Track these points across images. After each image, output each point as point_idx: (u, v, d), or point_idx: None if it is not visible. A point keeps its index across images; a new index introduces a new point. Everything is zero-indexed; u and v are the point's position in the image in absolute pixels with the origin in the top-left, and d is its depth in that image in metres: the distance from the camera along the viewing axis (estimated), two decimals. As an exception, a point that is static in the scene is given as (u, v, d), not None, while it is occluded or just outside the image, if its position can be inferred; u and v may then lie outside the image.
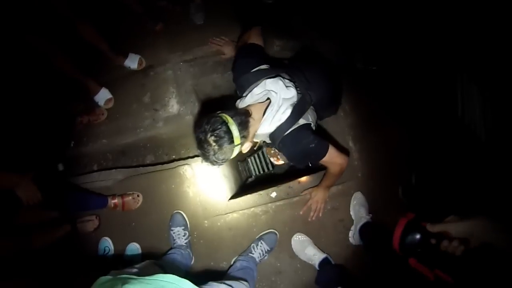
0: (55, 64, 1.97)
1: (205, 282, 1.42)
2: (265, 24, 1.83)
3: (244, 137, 1.30)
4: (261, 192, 2.10)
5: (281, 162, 2.13)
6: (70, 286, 1.75)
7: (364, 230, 1.94)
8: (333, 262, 1.94)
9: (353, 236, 2.00)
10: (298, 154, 1.53)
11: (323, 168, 2.03)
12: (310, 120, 1.56)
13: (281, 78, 1.49)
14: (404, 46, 2.02)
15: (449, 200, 1.67)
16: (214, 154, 1.25)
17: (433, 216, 0.98)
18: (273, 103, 1.42)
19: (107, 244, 2.07)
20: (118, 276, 1.13)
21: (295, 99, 1.49)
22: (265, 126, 1.43)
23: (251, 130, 1.35)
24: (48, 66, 1.97)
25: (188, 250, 1.95)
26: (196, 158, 2.17)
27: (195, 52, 2.28)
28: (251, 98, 1.46)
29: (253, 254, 1.90)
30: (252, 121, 1.35)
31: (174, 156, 2.27)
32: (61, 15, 1.88)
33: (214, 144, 1.23)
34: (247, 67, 1.51)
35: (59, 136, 2.23)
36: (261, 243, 1.94)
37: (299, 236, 2.01)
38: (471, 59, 1.67)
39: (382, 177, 2.08)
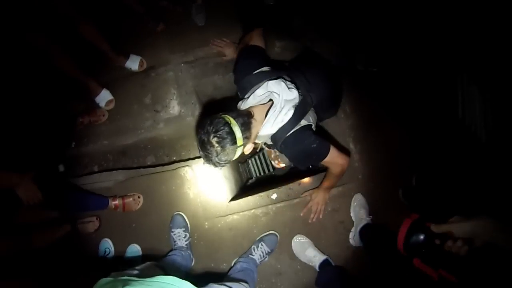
0: (55, 64, 1.97)
1: (205, 283, 1.43)
2: (266, 26, 1.83)
3: (246, 138, 1.30)
4: (261, 193, 2.10)
5: (282, 165, 2.13)
6: (70, 286, 1.74)
7: (364, 232, 1.94)
8: (333, 264, 1.94)
9: (353, 238, 2.00)
10: (300, 155, 1.53)
11: (324, 170, 2.03)
12: (311, 121, 1.57)
13: (283, 80, 1.50)
14: (405, 47, 2.02)
15: (449, 201, 1.67)
16: (216, 155, 1.25)
17: (437, 216, 0.98)
18: (275, 104, 1.42)
19: (108, 245, 2.07)
20: (119, 277, 1.13)
21: (297, 101, 1.49)
22: (267, 127, 1.43)
23: (254, 131, 1.35)
24: (49, 66, 1.97)
25: (188, 251, 1.95)
26: (196, 159, 2.18)
27: (196, 53, 2.29)
28: (254, 99, 1.46)
29: (253, 255, 1.90)
30: (254, 122, 1.35)
31: (174, 158, 2.27)
32: (62, 14, 1.88)
33: (217, 145, 1.23)
34: (249, 69, 1.52)
35: (59, 136, 2.23)
36: (262, 244, 1.94)
37: (300, 238, 2.01)
38: (472, 60, 1.67)
39: (382, 179, 2.08)
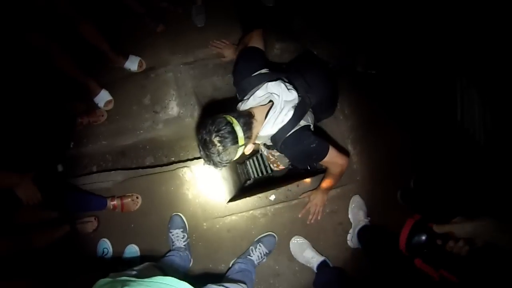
0: (55, 64, 1.97)
1: (203, 284, 1.43)
2: (266, 27, 1.84)
3: (248, 137, 1.32)
4: (260, 194, 2.11)
5: (281, 167, 2.14)
6: (69, 286, 1.74)
7: (362, 233, 1.95)
8: (331, 265, 1.94)
9: (351, 239, 2.01)
10: (300, 155, 1.55)
11: (322, 171, 2.04)
12: (310, 121, 1.58)
13: (283, 81, 1.51)
14: (404, 49, 2.02)
15: (448, 203, 1.68)
16: (218, 155, 1.25)
17: (440, 217, 0.99)
18: (275, 105, 1.44)
19: (106, 245, 2.07)
20: (117, 278, 1.13)
21: (296, 102, 1.51)
22: (267, 128, 1.44)
23: (254, 131, 1.37)
24: (49, 66, 1.97)
25: (186, 252, 1.95)
26: (195, 160, 2.18)
27: (195, 54, 2.29)
28: (254, 100, 1.48)
29: (251, 256, 1.91)
30: (255, 123, 1.37)
31: (173, 158, 2.27)
32: (62, 14, 1.88)
33: (218, 144, 1.24)
34: (248, 71, 1.53)
35: (59, 136, 2.23)
36: (260, 245, 1.94)
37: (298, 239, 2.01)
38: (471, 63, 1.68)
39: (381, 181, 2.08)
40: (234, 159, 1.33)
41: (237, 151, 1.30)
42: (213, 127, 1.24)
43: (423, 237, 1.00)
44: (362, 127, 2.17)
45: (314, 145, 1.50)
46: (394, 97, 2.07)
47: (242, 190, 2.53)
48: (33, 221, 1.90)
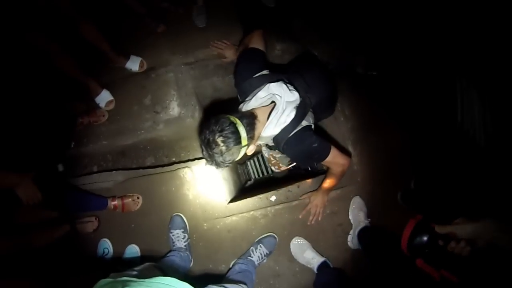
0: (56, 64, 1.97)
1: (204, 284, 1.43)
2: (266, 28, 1.84)
3: (251, 138, 1.32)
4: (260, 195, 2.11)
5: (283, 168, 2.14)
6: (69, 286, 1.74)
7: (362, 234, 1.95)
8: (331, 266, 1.94)
9: (351, 240, 2.01)
10: (302, 154, 1.56)
11: (322, 172, 2.04)
12: (311, 121, 1.59)
13: (284, 82, 1.52)
14: (404, 51, 2.03)
15: (448, 204, 1.68)
16: (221, 155, 1.26)
17: (441, 218, 1.00)
18: (277, 106, 1.45)
19: (106, 245, 2.07)
20: (118, 278, 1.14)
21: (298, 102, 1.52)
22: (270, 128, 1.45)
23: (257, 132, 1.38)
24: (50, 66, 1.97)
25: (187, 252, 1.96)
26: (196, 161, 2.18)
27: (196, 55, 2.29)
28: (256, 101, 1.48)
29: (252, 257, 1.91)
30: (258, 123, 1.38)
31: (174, 159, 2.27)
32: (63, 14, 1.88)
33: (222, 144, 1.24)
34: (249, 72, 1.54)
35: (59, 136, 2.22)
36: (260, 246, 1.94)
37: (298, 240, 2.02)
38: (471, 64, 1.68)
39: (381, 182, 2.08)
40: (237, 160, 1.33)
41: (240, 151, 1.30)
42: (217, 127, 1.24)
43: (425, 238, 1.00)
44: (363, 128, 2.17)
45: (316, 144, 1.51)
46: (394, 98, 2.07)
47: (242, 191, 2.53)
48: (33, 221, 1.90)
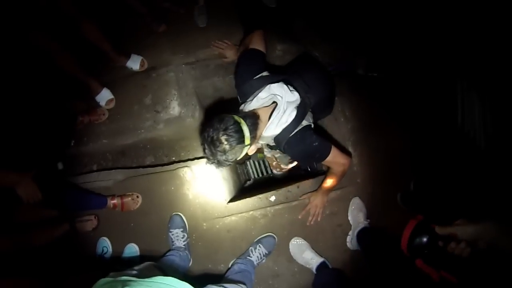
0: (57, 62, 1.97)
1: (203, 284, 1.43)
2: (267, 28, 1.84)
3: (253, 137, 1.34)
4: (260, 195, 2.11)
5: (283, 167, 2.15)
6: (69, 285, 1.74)
7: (362, 235, 1.95)
8: (330, 266, 1.94)
9: (350, 241, 2.01)
10: (303, 154, 1.57)
11: (322, 173, 2.04)
12: (311, 121, 1.60)
13: (285, 83, 1.54)
14: (405, 52, 2.03)
15: (447, 206, 1.68)
16: (224, 153, 1.27)
17: (441, 219, 1.00)
18: (279, 106, 1.46)
19: (106, 244, 2.07)
20: (118, 278, 1.14)
21: (298, 102, 1.53)
22: (271, 128, 1.47)
23: (258, 132, 1.40)
24: (50, 65, 1.97)
25: (186, 252, 1.96)
26: (196, 160, 2.18)
27: (197, 55, 2.30)
28: (257, 102, 1.49)
29: (251, 257, 1.91)
30: (260, 123, 1.39)
31: (174, 158, 2.27)
32: (65, 13, 1.88)
33: (225, 142, 1.25)
34: (250, 74, 1.55)
35: (59, 135, 2.22)
36: (260, 246, 1.94)
37: (297, 240, 2.02)
38: (472, 66, 1.69)
39: (381, 183, 2.09)
40: (238, 159, 1.34)
41: (242, 150, 1.31)
42: (221, 125, 1.25)
43: (425, 239, 1.01)
44: (363, 129, 2.17)
45: (316, 143, 1.52)
46: (395, 99, 2.08)
47: (242, 191, 2.53)
48: (33, 219, 1.90)
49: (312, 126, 1.60)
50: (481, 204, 1.50)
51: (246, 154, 1.38)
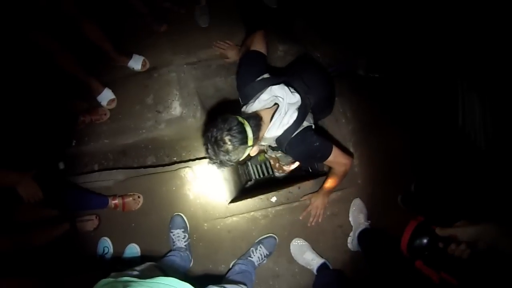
0: (58, 62, 1.97)
1: (204, 285, 1.43)
2: (268, 28, 1.84)
3: (256, 138, 1.35)
4: (261, 196, 2.11)
5: (285, 168, 2.15)
6: (69, 285, 1.75)
7: (362, 236, 1.95)
8: (331, 267, 1.95)
9: (351, 242, 2.01)
10: (305, 154, 1.58)
11: (323, 174, 2.04)
12: (311, 122, 1.61)
13: (285, 84, 1.54)
14: (406, 53, 2.03)
15: (448, 207, 1.68)
16: (227, 153, 1.27)
17: (442, 220, 1.00)
18: (280, 108, 1.47)
19: (107, 244, 2.07)
20: (119, 278, 1.14)
21: (299, 103, 1.54)
22: (273, 130, 1.48)
23: (261, 133, 1.40)
24: (52, 64, 1.97)
25: (187, 252, 1.96)
26: (197, 161, 2.18)
27: (199, 55, 2.29)
28: (259, 103, 1.50)
29: (252, 258, 1.91)
30: (263, 125, 1.40)
31: (175, 158, 2.27)
32: (66, 13, 1.88)
33: (229, 143, 1.26)
34: (251, 76, 1.56)
35: (60, 134, 2.22)
36: (260, 247, 1.95)
37: (298, 241, 2.02)
38: (472, 67, 1.69)
39: (381, 184, 2.09)
40: (240, 160, 1.35)
41: (245, 151, 1.32)
42: (225, 126, 1.26)
43: (425, 240, 1.01)
44: (364, 130, 2.17)
45: (317, 143, 1.54)
46: (395, 100, 2.08)
47: (243, 191, 2.53)
48: (34, 219, 1.91)
49: (313, 127, 1.61)
50: (481, 205, 1.50)
51: (248, 155, 1.39)
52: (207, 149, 1.30)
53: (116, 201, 2.05)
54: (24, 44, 1.85)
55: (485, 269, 1.01)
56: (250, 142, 1.31)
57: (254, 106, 1.50)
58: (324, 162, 1.64)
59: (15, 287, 1.55)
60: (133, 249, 2.05)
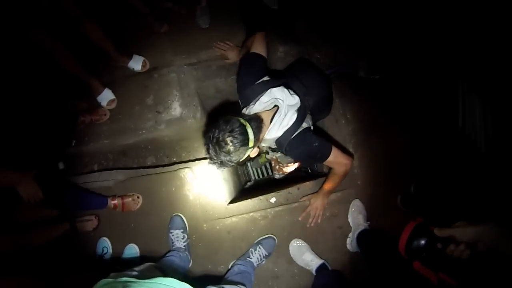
0: (58, 62, 1.97)
1: (203, 285, 1.43)
2: (269, 29, 1.84)
3: (257, 140, 1.36)
4: (260, 197, 2.11)
5: (285, 170, 2.15)
6: (69, 285, 1.75)
7: (361, 237, 1.95)
8: (330, 268, 1.95)
9: (350, 243, 2.01)
10: (304, 154, 1.58)
11: (323, 175, 2.05)
12: (310, 123, 1.62)
13: (285, 86, 1.57)
14: (407, 55, 2.03)
15: (448, 209, 1.69)
16: (228, 154, 1.28)
17: (441, 221, 1.00)
18: (280, 109, 1.49)
19: (106, 244, 2.07)
20: (118, 278, 1.14)
21: (298, 105, 1.56)
22: (273, 131, 1.50)
23: (261, 135, 1.42)
24: (52, 64, 1.97)
25: (186, 252, 1.96)
26: (197, 161, 2.18)
27: (199, 56, 2.29)
28: (259, 106, 1.52)
29: (251, 258, 1.91)
30: (263, 127, 1.41)
31: (175, 159, 2.27)
32: (67, 13, 1.88)
33: (230, 144, 1.27)
34: (251, 79, 1.57)
35: (60, 134, 2.22)
36: (260, 247, 1.95)
37: (297, 242, 2.02)
38: (473, 69, 1.69)
39: (381, 185, 2.09)
40: (240, 161, 1.36)
41: (245, 152, 1.33)
42: (227, 127, 1.27)
43: (423, 241, 1.01)
44: (364, 132, 2.17)
45: (316, 144, 1.55)
46: (396, 102, 2.08)
47: (242, 192, 2.53)
48: (34, 219, 1.90)
49: (312, 128, 1.62)
50: (481, 206, 1.50)
51: (248, 156, 1.40)
52: (208, 150, 1.31)
53: (115, 201, 2.06)
54: (25, 44, 1.85)
55: (484, 270, 1.01)
56: (251, 144, 1.32)
57: (255, 108, 1.52)
58: (324, 163, 1.64)
59: (15, 287, 1.55)
60: (132, 250, 2.05)
